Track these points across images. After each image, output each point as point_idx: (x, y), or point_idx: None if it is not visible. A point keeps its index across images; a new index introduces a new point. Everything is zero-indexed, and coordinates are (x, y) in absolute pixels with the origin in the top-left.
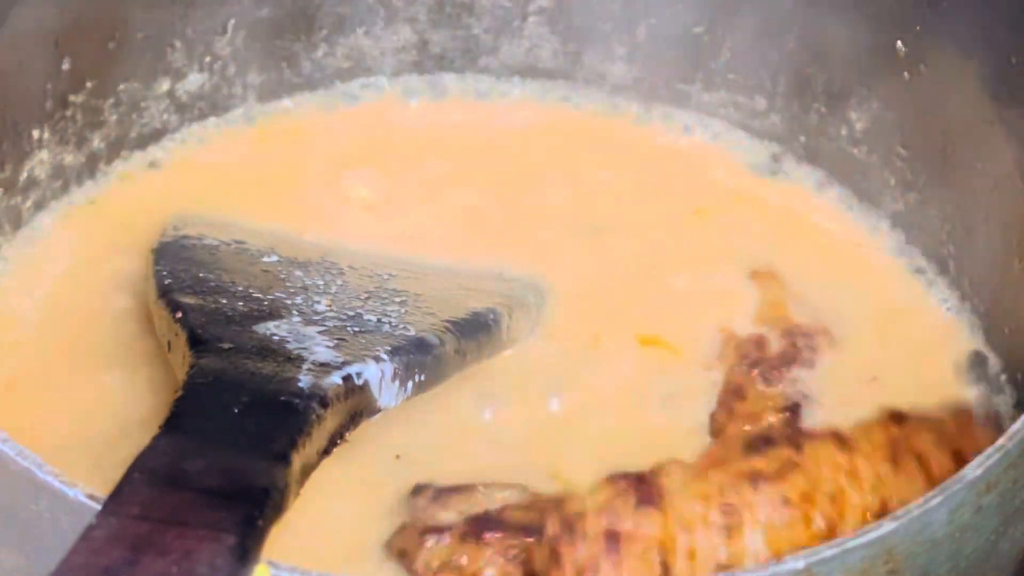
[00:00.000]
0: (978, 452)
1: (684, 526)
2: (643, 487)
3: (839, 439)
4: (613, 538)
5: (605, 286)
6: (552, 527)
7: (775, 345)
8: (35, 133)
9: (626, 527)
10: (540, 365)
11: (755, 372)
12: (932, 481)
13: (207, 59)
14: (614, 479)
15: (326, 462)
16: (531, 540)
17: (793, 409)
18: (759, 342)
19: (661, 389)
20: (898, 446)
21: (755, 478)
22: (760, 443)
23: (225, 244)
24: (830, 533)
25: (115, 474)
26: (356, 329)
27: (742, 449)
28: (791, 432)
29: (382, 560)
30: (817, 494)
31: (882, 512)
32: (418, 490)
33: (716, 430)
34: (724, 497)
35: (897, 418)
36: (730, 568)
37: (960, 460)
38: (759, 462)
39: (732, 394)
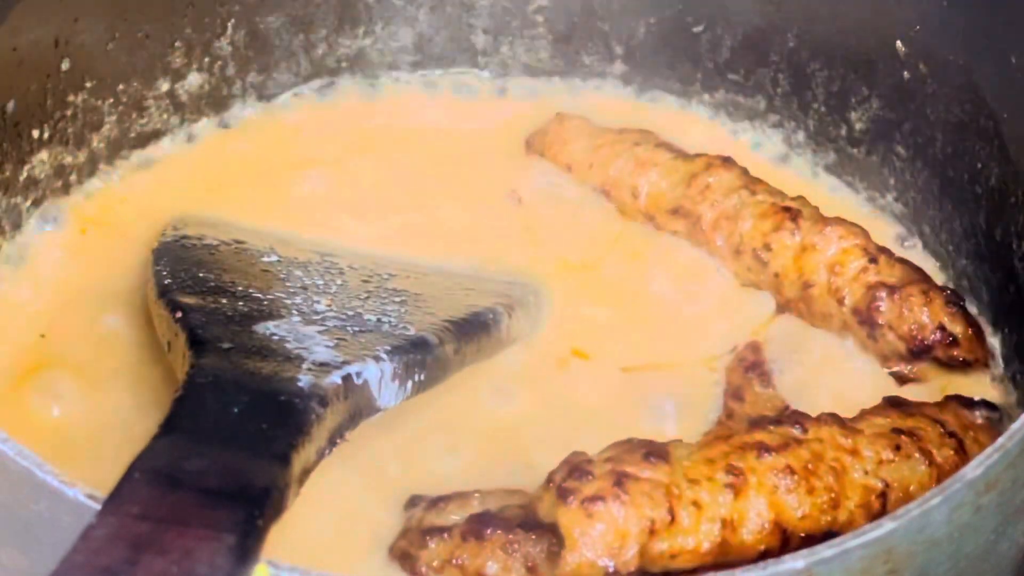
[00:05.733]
0: (978, 447)
1: (690, 480)
2: (651, 445)
3: (841, 423)
4: (621, 477)
5: (604, 287)
6: (560, 472)
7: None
8: (35, 133)
9: (633, 471)
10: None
11: (752, 375)
12: (936, 468)
13: (207, 59)
14: (621, 441)
15: (326, 462)
16: (532, 534)
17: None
18: (754, 347)
19: (667, 397)
20: (901, 434)
21: (760, 448)
22: (765, 422)
23: (225, 244)
24: (833, 505)
25: (115, 474)
26: (356, 329)
27: (747, 426)
28: (795, 414)
29: (383, 562)
30: (820, 467)
31: (885, 494)
32: (414, 501)
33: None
34: (729, 460)
35: (897, 404)
36: (734, 524)
37: (962, 452)
38: (763, 435)
39: (732, 397)
